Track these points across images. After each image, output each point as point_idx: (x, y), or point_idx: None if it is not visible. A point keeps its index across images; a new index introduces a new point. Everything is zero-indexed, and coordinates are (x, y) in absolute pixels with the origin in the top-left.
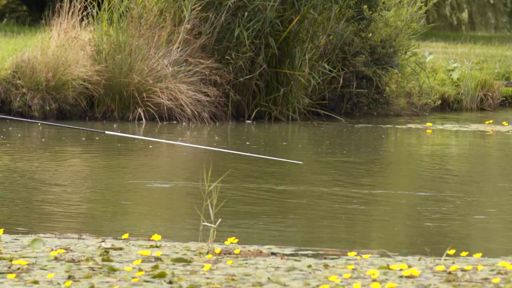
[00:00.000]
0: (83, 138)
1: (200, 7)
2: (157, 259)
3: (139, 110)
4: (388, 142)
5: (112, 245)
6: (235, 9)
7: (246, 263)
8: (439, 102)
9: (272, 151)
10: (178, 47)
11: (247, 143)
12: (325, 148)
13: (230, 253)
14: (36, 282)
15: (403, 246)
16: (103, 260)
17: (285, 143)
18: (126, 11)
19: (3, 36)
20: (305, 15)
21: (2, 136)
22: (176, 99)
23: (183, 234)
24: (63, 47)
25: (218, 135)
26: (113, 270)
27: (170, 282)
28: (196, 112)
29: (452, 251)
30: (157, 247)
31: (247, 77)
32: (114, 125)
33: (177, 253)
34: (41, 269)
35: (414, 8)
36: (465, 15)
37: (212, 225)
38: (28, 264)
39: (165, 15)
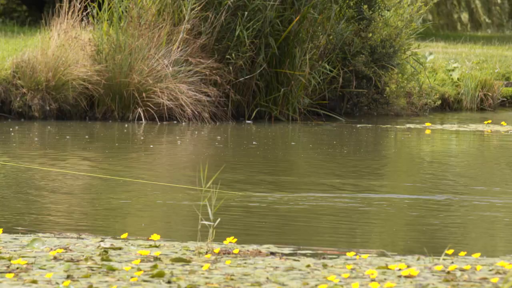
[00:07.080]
0: (82, 138)
1: (199, 7)
2: (156, 258)
3: (139, 110)
4: (388, 142)
5: (111, 244)
6: (235, 8)
7: (245, 263)
8: (439, 102)
9: (281, 150)
10: (178, 47)
11: (254, 143)
12: (326, 148)
13: (229, 253)
14: (35, 281)
15: (402, 246)
16: (102, 259)
17: (293, 143)
18: (126, 11)
19: (3, 36)
20: (305, 15)
21: (1, 136)
22: (176, 99)
23: (182, 234)
24: (63, 47)
25: (220, 135)
26: (112, 269)
27: (169, 282)
28: (196, 112)
29: (450, 251)
30: (156, 246)
31: (247, 77)
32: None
33: (176, 252)
34: (40, 268)
35: (415, 8)
36: (465, 14)
37: (211, 223)
38: (27, 264)
39: (164, 14)
